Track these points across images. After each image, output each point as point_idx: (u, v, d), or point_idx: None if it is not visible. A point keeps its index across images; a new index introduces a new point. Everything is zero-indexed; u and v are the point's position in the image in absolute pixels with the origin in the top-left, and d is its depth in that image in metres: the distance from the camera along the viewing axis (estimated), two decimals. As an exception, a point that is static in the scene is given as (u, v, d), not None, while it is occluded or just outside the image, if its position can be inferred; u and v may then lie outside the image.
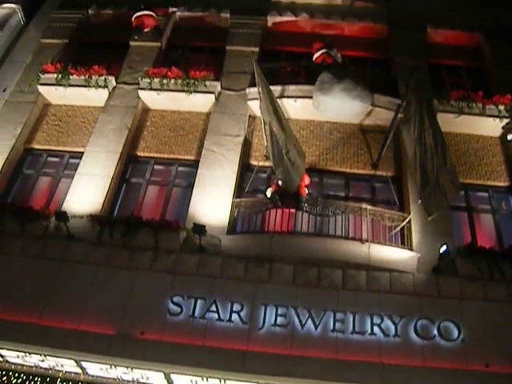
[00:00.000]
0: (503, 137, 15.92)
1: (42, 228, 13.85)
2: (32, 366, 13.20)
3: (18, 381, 13.12)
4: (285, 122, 13.86)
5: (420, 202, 12.95)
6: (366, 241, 13.08)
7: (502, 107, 15.76)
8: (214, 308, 12.47)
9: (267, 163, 14.70)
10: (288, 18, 19.45)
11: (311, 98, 15.54)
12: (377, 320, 12.27)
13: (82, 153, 15.61)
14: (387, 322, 12.24)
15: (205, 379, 12.48)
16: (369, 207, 13.71)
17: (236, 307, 12.49)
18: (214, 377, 12.30)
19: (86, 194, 14.55)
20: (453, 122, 15.78)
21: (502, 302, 12.53)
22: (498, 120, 15.74)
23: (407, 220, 13.61)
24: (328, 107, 15.50)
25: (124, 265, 13.27)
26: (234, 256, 13.20)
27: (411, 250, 13.35)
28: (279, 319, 12.32)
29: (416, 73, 14.41)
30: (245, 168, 15.41)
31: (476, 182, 15.32)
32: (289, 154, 12.98)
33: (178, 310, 12.51)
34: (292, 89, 15.97)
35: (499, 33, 18.41)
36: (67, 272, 13.18)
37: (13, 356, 12.91)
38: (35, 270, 13.18)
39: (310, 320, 12.28)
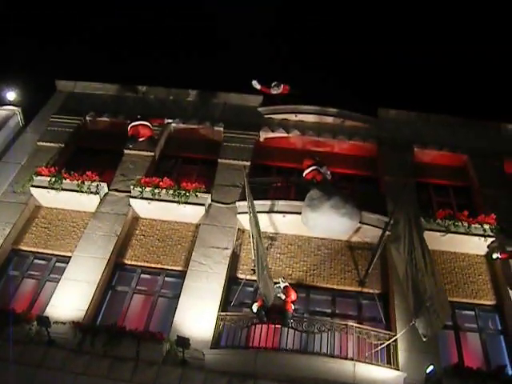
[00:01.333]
0: (488, 255, 16.08)
1: (23, 332, 13.57)
2: None
3: None
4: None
5: (414, 323, 12.78)
6: (352, 359, 12.89)
7: (486, 226, 16.10)
8: (192, 426, 12.09)
9: (254, 277, 14.65)
10: (280, 134, 19.93)
11: (300, 213, 15.75)
12: None
13: (70, 257, 15.61)
14: None
15: None
16: (355, 325, 13.64)
17: (216, 426, 12.11)
18: None
19: (70, 299, 14.40)
20: (439, 240, 16.01)
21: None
22: (483, 239, 16.01)
23: (393, 339, 13.51)
24: (316, 223, 15.69)
25: (104, 375, 12.91)
26: (217, 371, 12.91)
27: (397, 369, 13.15)
28: None
29: (404, 191, 14.73)
30: (232, 281, 15.37)
31: (462, 300, 15.36)
32: (267, 267, 13.20)
33: (156, 425, 12.11)
34: (281, 204, 16.28)
35: (484, 154, 19.08)
36: (45, 379, 12.78)
37: None
38: (11, 375, 12.66)
39: None
